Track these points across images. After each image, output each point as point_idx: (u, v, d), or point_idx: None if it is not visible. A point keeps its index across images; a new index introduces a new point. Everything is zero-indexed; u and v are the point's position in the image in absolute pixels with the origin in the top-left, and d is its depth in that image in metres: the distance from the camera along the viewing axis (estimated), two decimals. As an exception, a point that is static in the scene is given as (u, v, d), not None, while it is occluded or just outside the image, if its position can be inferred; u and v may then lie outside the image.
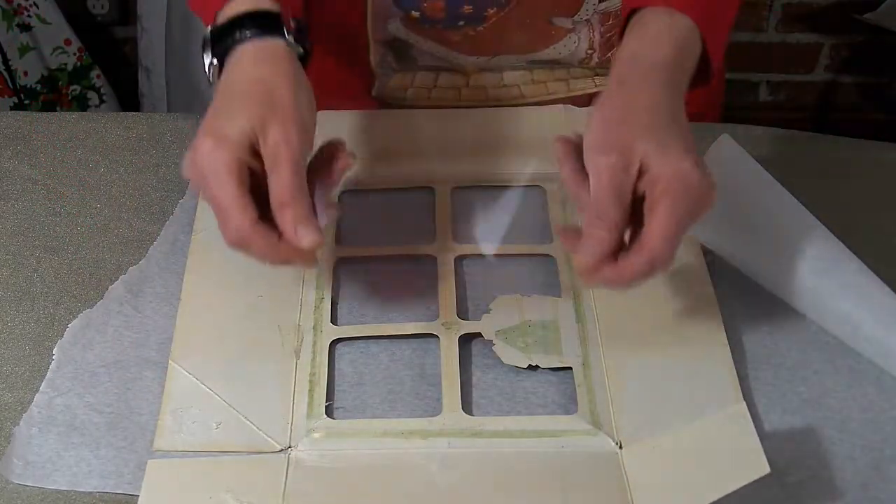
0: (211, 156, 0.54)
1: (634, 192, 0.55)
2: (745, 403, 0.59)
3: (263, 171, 0.56)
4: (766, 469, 0.53)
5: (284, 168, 0.55)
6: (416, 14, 0.76)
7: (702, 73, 0.63)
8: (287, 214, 0.54)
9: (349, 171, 0.61)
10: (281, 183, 0.55)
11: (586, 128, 0.58)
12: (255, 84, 0.57)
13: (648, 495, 0.55)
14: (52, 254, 0.72)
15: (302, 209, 0.55)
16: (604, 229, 0.54)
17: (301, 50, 0.61)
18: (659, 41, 0.60)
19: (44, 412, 0.60)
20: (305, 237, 0.54)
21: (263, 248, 0.55)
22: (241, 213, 0.54)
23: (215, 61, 0.60)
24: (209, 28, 0.61)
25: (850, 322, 0.65)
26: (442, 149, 0.78)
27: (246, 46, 0.59)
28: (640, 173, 0.55)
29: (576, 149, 0.59)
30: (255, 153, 0.55)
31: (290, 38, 0.60)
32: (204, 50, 0.61)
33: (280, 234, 0.55)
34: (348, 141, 0.78)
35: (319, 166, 0.59)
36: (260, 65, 0.58)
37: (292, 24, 0.61)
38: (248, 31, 0.59)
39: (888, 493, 0.58)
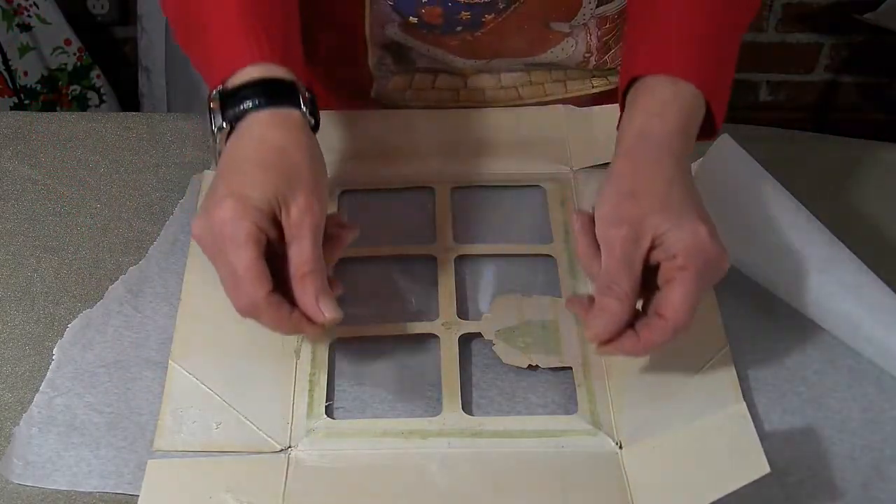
0: (233, 221, 0.54)
1: (646, 262, 0.57)
2: (745, 403, 0.59)
3: (280, 240, 0.56)
4: (766, 469, 0.53)
5: (306, 239, 0.55)
6: (413, 20, 0.76)
7: (704, 127, 0.63)
8: (308, 286, 0.55)
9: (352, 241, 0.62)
10: (302, 253, 0.55)
11: (597, 201, 0.59)
12: (274, 153, 0.57)
13: (649, 495, 0.55)
14: (52, 254, 0.72)
15: (322, 281, 0.56)
16: (615, 299, 0.56)
17: (313, 121, 0.61)
18: (665, 114, 0.60)
19: (44, 412, 0.60)
20: (328, 310, 0.55)
21: (275, 320, 0.55)
22: (255, 284, 0.54)
23: (225, 125, 0.59)
24: (216, 90, 0.60)
25: (850, 322, 0.65)
26: (441, 149, 0.78)
27: (260, 114, 0.58)
28: (654, 245, 0.56)
29: (592, 223, 0.60)
30: (274, 221, 0.56)
31: (305, 110, 0.60)
32: (211, 112, 0.60)
33: (293, 306, 0.55)
34: (348, 141, 0.78)
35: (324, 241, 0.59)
36: (278, 133, 0.57)
37: (307, 95, 0.60)
38: (262, 99, 0.58)
39: (888, 492, 0.58)
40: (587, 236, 0.59)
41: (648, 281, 0.58)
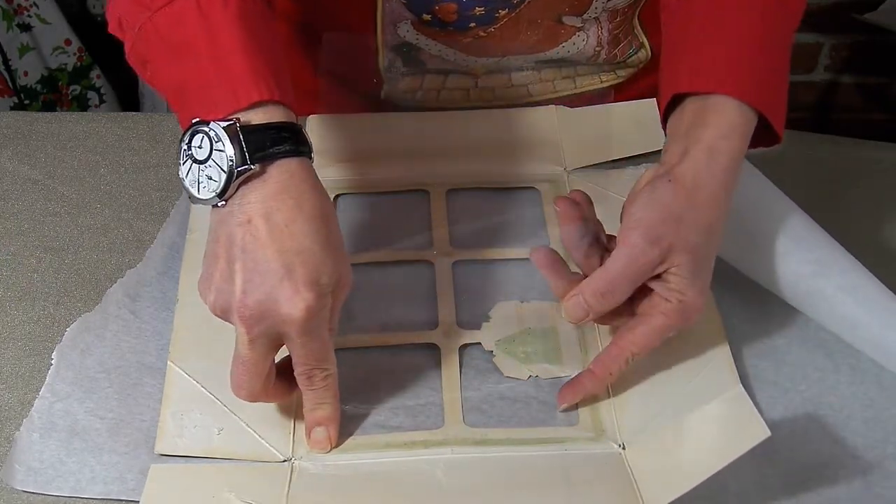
0: (317, 315, 0.54)
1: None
2: (742, 387, 0.58)
3: None
4: (767, 433, 0.52)
5: (335, 315, 0.58)
6: (427, 17, 0.76)
7: (763, 137, 0.63)
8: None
9: None
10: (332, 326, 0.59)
11: (638, 185, 0.60)
12: (325, 225, 0.55)
13: (654, 482, 0.55)
14: (52, 254, 0.72)
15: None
16: (605, 307, 0.58)
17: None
18: (732, 136, 0.60)
19: (44, 417, 0.60)
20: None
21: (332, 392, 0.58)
22: (333, 358, 0.58)
23: (256, 167, 0.54)
24: (235, 122, 0.54)
25: (849, 324, 0.65)
26: (435, 151, 0.78)
27: (292, 164, 0.55)
28: (661, 273, 0.58)
29: (579, 214, 0.61)
30: None
31: (314, 159, 0.58)
32: (231, 143, 0.53)
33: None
34: (341, 144, 0.78)
35: None
36: (315, 194, 0.55)
37: (312, 144, 0.58)
38: (292, 146, 0.55)
39: (891, 489, 0.58)
40: (576, 239, 0.61)
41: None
